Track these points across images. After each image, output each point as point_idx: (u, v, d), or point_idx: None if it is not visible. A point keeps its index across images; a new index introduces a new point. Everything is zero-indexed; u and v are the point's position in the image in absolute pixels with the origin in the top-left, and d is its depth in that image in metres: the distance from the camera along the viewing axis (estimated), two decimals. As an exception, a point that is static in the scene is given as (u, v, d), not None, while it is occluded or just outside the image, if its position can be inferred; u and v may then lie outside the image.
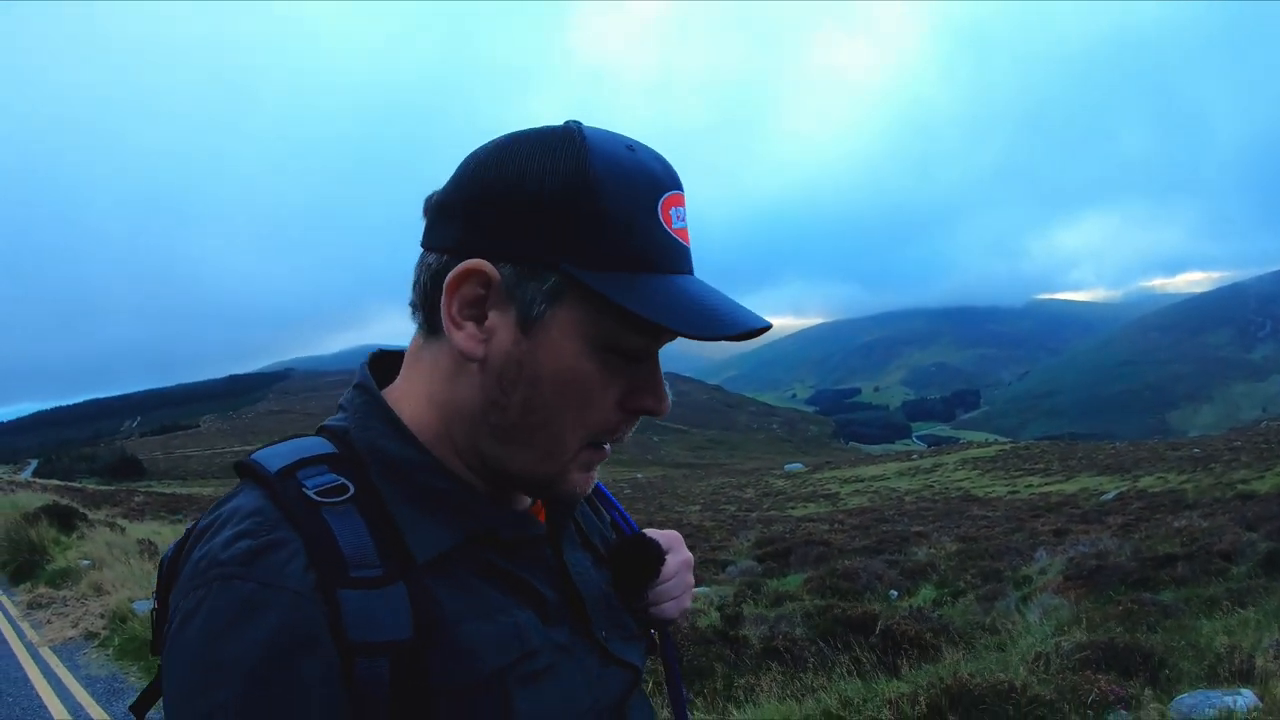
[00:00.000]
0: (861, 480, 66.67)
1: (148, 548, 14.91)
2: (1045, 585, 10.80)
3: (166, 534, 19.55)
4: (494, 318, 0.94)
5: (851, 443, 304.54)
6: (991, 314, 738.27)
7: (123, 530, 19.13)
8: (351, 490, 0.93)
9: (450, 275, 0.93)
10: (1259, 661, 6.05)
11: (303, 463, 0.95)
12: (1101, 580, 10.14)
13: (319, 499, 0.91)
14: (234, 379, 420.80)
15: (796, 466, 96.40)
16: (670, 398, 1.03)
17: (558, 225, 0.90)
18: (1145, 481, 40.63)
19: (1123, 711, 5.54)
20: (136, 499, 44.59)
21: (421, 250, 0.99)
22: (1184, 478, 38.46)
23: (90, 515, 21.28)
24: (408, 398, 1.02)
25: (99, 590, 12.10)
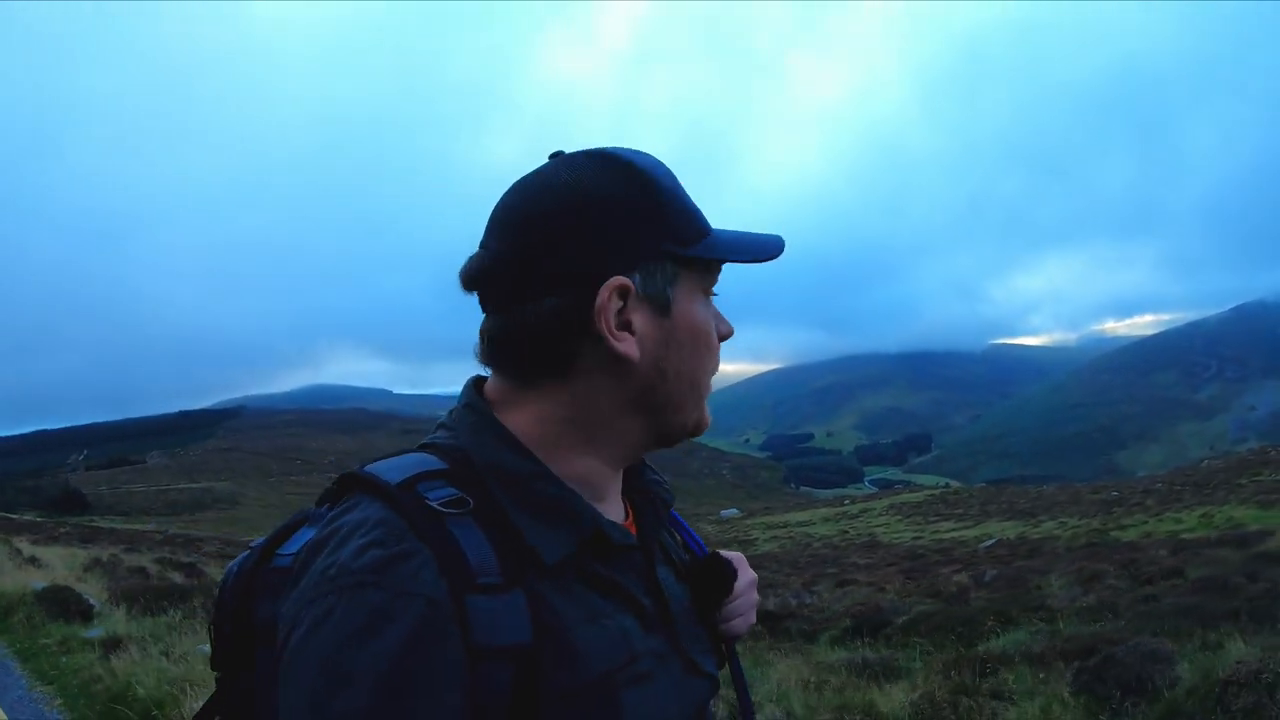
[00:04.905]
0: (786, 526, 66.89)
1: (13, 555, 18.62)
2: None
3: (51, 552, 22.35)
4: (637, 320, 1.07)
5: (803, 487, 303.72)
6: (947, 358, 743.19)
7: (11, 545, 22.17)
8: (471, 503, 0.99)
9: (599, 301, 1.03)
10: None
11: (421, 476, 1.01)
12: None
13: (443, 509, 0.97)
14: (184, 414, 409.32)
15: (732, 512, 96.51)
16: None
17: (653, 222, 1.07)
18: (1045, 526, 41.06)
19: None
20: (62, 530, 45.23)
21: (497, 312, 1.09)
22: (1076, 523, 38.93)
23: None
24: (516, 420, 1.09)
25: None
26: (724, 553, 1.34)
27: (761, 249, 1.18)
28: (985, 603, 10.98)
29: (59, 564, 19.07)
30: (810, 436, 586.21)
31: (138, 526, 79.77)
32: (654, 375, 1.09)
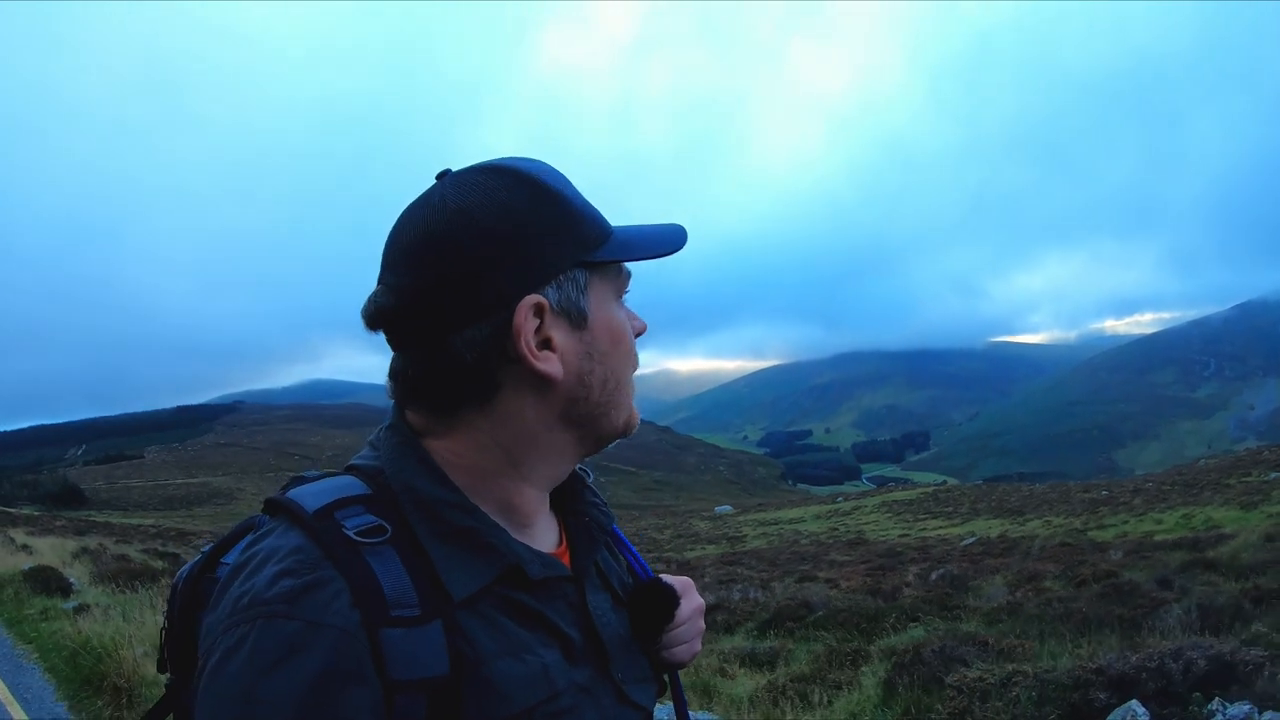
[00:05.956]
0: (777, 523, 66.89)
1: (7, 543, 21.09)
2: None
3: (44, 543, 24.01)
4: (557, 336, 1.06)
5: (800, 484, 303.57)
6: (946, 356, 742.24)
7: (6, 535, 24.75)
8: (390, 531, 0.98)
9: (515, 323, 1.02)
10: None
11: (340, 503, 0.99)
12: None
13: (359, 539, 0.95)
14: (182, 410, 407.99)
15: (726, 509, 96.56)
16: None
17: (559, 234, 1.06)
18: (1030, 525, 41.39)
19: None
20: (58, 524, 45.61)
21: (411, 351, 1.06)
22: (1060, 522, 39.31)
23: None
24: (442, 447, 1.07)
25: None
26: (668, 578, 1.31)
27: (665, 242, 1.16)
28: (911, 601, 11.30)
29: (49, 552, 20.53)
30: (808, 433, 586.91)
31: (134, 521, 79.96)
32: (578, 388, 1.08)
